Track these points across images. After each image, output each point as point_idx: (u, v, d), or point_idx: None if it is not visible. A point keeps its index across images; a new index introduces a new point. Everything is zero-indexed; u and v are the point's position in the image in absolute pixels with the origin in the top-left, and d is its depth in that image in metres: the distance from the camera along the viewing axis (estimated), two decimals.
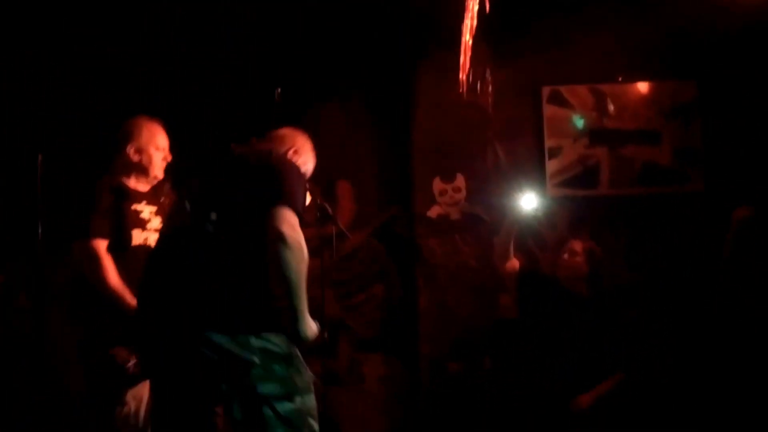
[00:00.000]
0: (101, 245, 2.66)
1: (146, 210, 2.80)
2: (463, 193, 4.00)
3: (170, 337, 2.20)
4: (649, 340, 3.50)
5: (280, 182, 2.19)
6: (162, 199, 2.87)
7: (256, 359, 2.13)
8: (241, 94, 3.44)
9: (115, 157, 2.81)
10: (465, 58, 3.70)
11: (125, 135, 2.81)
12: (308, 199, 2.43)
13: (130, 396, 2.64)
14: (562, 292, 3.41)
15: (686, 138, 4.08)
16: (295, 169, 2.31)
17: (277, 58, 2.66)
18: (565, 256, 3.44)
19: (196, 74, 3.77)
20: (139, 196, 2.81)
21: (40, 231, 2.97)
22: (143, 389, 2.61)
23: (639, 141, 4.07)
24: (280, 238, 2.09)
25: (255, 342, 2.13)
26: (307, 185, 2.41)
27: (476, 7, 3.32)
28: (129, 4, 3.63)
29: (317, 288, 3.45)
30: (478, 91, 3.91)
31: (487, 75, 3.94)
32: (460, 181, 4.01)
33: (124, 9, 3.62)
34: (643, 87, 4.09)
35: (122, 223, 2.71)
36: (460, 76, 3.91)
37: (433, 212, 4.01)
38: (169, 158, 2.87)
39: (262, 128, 2.45)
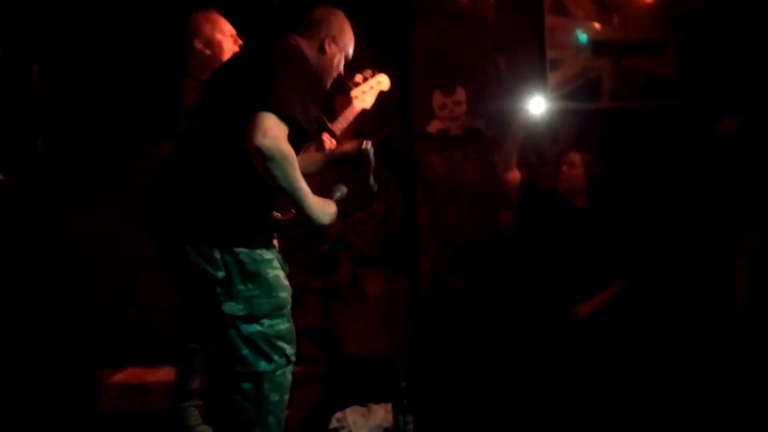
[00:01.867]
0: None
1: None
2: (464, 106, 3.93)
3: (161, 244, 2.18)
4: (649, 250, 3.53)
5: (267, 82, 1.99)
6: None
7: (220, 275, 2.06)
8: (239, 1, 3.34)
9: (185, 56, 2.78)
10: None
11: (188, 32, 2.78)
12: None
13: None
14: (562, 205, 3.41)
15: (691, 48, 3.98)
16: (294, 64, 2.08)
17: None
18: (564, 168, 3.44)
19: None
20: None
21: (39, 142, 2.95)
22: None
23: (642, 52, 3.97)
24: (257, 152, 1.95)
25: (219, 256, 2.05)
26: (335, 74, 2.27)
27: None
28: None
29: None
30: (479, 1, 3.81)
31: None
32: (460, 94, 3.92)
33: None
34: None
35: None
36: None
37: (433, 127, 3.94)
38: (240, 42, 2.80)
39: (261, 35, 2.35)
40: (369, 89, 3.04)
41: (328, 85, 2.36)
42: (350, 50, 2.34)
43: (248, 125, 1.95)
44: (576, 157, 3.44)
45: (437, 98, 3.93)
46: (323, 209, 2.14)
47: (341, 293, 4.05)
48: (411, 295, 4.08)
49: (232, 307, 2.07)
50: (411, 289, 4.07)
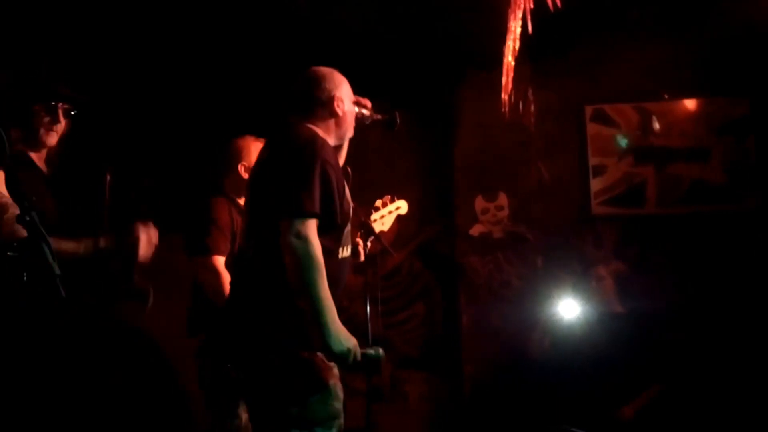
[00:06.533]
0: (220, 261, 2.73)
1: None
2: (506, 211, 4.00)
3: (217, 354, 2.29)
4: (693, 356, 3.45)
5: (289, 186, 2.08)
6: None
7: (282, 381, 2.07)
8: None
9: (225, 176, 2.89)
10: (507, 79, 3.71)
11: (235, 154, 2.89)
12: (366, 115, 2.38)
13: (243, 409, 2.64)
14: (597, 317, 3.42)
15: (738, 155, 3.98)
16: (309, 157, 2.10)
17: None
18: (593, 283, 3.48)
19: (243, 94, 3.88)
20: None
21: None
22: None
23: (687, 159, 4.00)
24: (287, 252, 2.02)
25: (283, 363, 2.08)
26: (355, 121, 2.33)
27: (518, 29, 3.34)
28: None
29: (361, 305, 3.49)
30: (521, 111, 3.92)
31: (529, 95, 3.95)
32: (502, 199, 4.01)
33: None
34: (690, 104, 4.03)
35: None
36: (502, 96, 3.93)
37: (476, 231, 4.02)
38: None
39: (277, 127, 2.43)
40: (388, 213, 3.14)
41: (352, 132, 2.40)
42: (350, 92, 2.37)
43: (281, 231, 2.05)
44: (602, 270, 3.49)
45: (479, 203, 4.02)
46: (341, 337, 2.05)
47: (382, 395, 4.03)
48: (453, 398, 4.03)
49: (288, 411, 2.07)
50: (453, 392, 4.03)
